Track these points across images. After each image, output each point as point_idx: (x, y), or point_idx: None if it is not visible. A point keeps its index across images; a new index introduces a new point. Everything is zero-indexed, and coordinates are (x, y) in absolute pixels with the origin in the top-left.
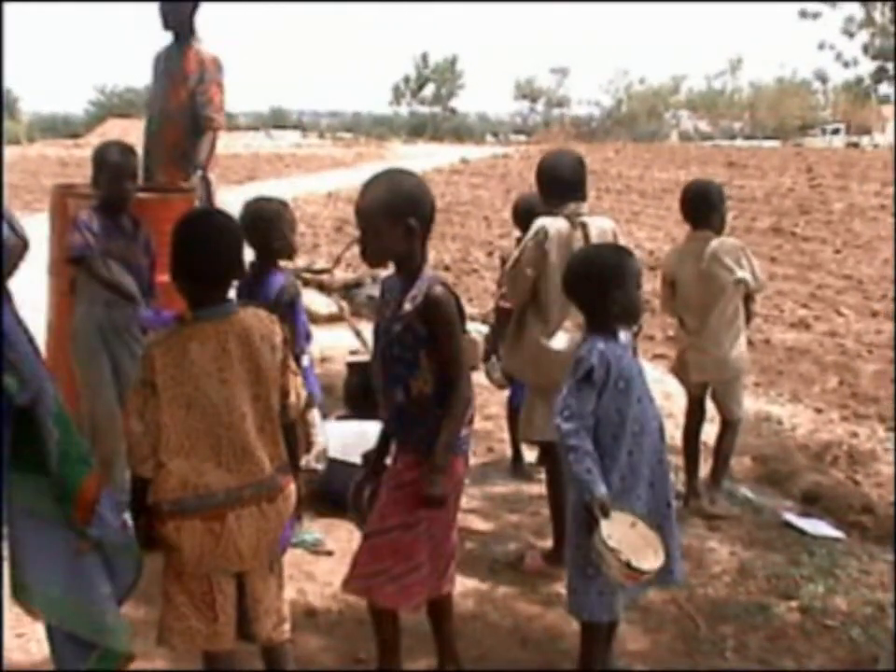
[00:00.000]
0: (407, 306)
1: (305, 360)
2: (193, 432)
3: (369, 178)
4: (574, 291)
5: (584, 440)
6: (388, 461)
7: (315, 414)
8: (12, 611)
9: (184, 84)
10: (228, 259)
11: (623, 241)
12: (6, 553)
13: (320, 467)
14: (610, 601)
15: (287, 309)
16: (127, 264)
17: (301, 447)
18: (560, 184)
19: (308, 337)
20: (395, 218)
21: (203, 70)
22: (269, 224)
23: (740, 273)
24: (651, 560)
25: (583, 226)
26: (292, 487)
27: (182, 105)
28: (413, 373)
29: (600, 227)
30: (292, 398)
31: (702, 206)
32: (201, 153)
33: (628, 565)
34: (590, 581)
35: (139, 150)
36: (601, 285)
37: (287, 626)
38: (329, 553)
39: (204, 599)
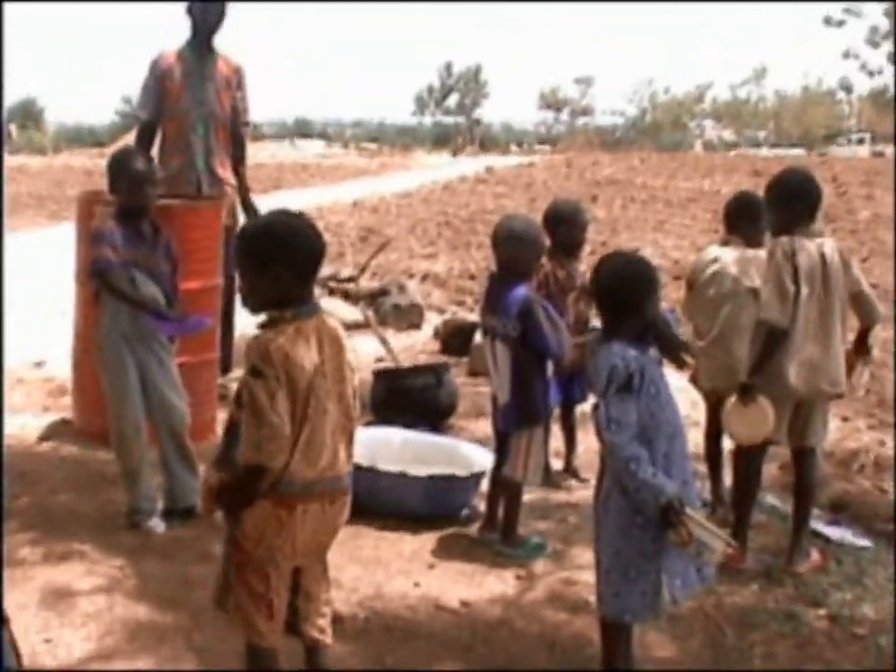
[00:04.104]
0: None
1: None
2: (298, 423)
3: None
4: (604, 297)
5: (639, 447)
6: None
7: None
8: (39, 616)
9: (227, 89)
10: (321, 254)
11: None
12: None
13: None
14: (653, 601)
15: (541, 314)
16: (150, 272)
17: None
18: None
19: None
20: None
21: (238, 77)
22: (522, 245)
23: (749, 283)
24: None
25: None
26: (350, 497)
27: (227, 110)
28: None
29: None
30: (357, 404)
31: (735, 216)
32: (246, 160)
33: (729, 543)
34: (633, 583)
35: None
36: (634, 291)
37: (329, 631)
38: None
39: (262, 598)
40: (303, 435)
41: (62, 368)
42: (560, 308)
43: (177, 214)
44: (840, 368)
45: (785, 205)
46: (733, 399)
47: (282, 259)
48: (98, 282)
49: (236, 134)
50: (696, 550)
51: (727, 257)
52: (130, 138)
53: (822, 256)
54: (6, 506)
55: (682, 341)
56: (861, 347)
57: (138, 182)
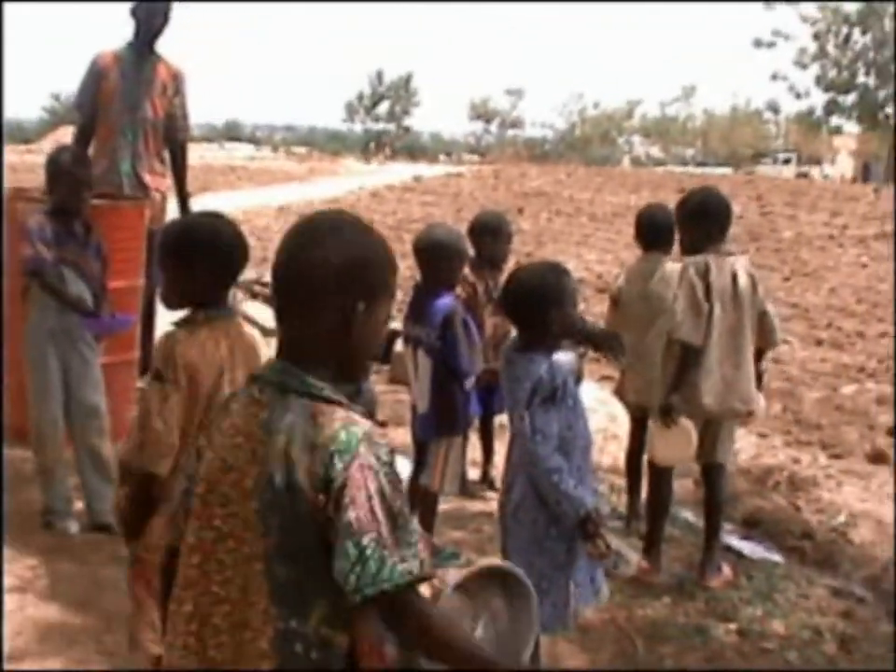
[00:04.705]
0: None
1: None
2: (198, 428)
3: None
4: (514, 310)
5: (560, 459)
6: None
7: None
8: None
9: (163, 95)
10: (244, 259)
11: None
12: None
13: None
14: (563, 612)
15: (460, 330)
16: (80, 270)
17: None
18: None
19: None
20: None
21: (177, 83)
22: (445, 254)
23: None
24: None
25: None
26: None
27: (161, 116)
28: None
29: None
30: None
31: (652, 230)
32: (186, 165)
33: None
34: (544, 594)
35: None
36: (541, 303)
37: None
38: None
39: None
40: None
41: None
42: (479, 320)
43: (101, 213)
44: (751, 385)
45: (697, 224)
46: (654, 423)
47: (202, 260)
48: (33, 280)
49: (174, 140)
50: (614, 562)
51: (657, 272)
52: (58, 135)
53: (733, 274)
54: (5, 505)
55: (612, 332)
56: (755, 371)
57: (74, 185)
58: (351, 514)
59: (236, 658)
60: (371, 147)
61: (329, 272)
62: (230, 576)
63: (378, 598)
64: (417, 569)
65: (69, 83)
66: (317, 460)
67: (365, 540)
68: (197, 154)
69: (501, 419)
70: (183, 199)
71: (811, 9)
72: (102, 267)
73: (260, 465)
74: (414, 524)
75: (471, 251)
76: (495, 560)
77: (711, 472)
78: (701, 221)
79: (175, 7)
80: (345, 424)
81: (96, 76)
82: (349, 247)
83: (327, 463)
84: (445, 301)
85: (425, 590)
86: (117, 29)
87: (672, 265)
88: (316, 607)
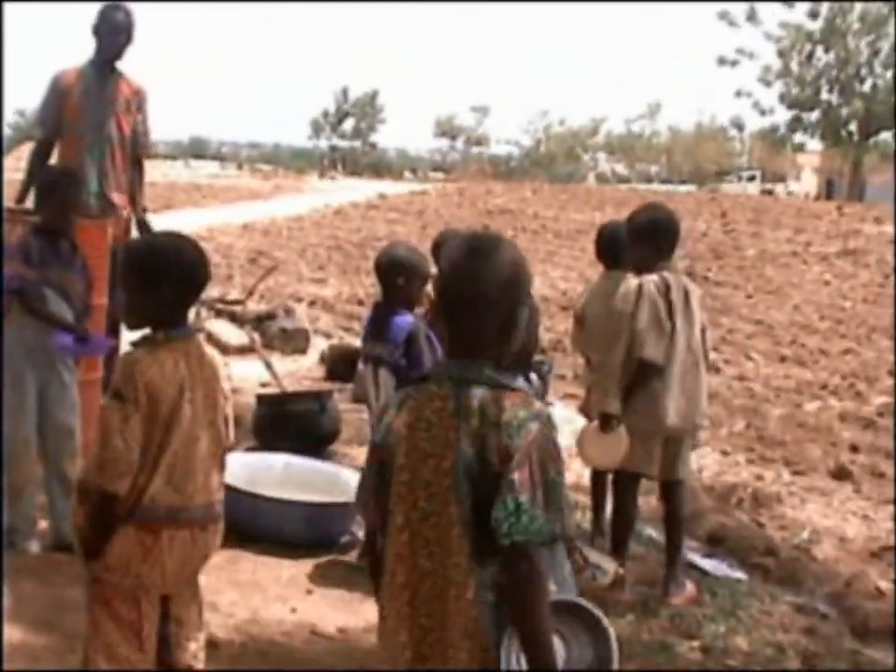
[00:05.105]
0: None
1: None
2: (157, 448)
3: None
4: None
5: None
6: None
7: None
8: None
9: (126, 113)
10: (206, 279)
11: None
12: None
13: None
14: None
15: (425, 346)
16: (63, 290)
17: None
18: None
19: None
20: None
21: (139, 100)
22: (406, 273)
23: None
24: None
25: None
26: (222, 524)
27: (127, 134)
28: None
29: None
30: (231, 432)
31: (614, 247)
32: (144, 182)
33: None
34: None
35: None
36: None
37: (203, 655)
38: None
39: (132, 627)
40: (165, 460)
41: None
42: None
43: None
44: (706, 399)
45: (646, 241)
46: (593, 424)
47: (164, 280)
48: (13, 299)
49: (135, 156)
50: (591, 574)
51: (619, 290)
52: (23, 151)
53: (685, 291)
54: (5, 509)
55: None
56: None
57: (64, 205)
58: (516, 476)
59: (444, 618)
60: (323, 163)
61: (501, 289)
62: (434, 550)
63: (519, 546)
64: (559, 530)
65: (33, 99)
66: (503, 435)
67: (522, 498)
68: (161, 172)
69: None
70: (140, 216)
71: (775, 27)
72: (86, 286)
73: (455, 446)
74: (565, 493)
75: (434, 268)
76: (577, 598)
77: (670, 488)
78: (650, 238)
79: (138, 23)
80: (524, 405)
81: (59, 93)
82: (511, 265)
83: (510, 435)
84: (406, 319)
85: None
86: (79, 46)
87: (634, 282)
88: (491, 557)
